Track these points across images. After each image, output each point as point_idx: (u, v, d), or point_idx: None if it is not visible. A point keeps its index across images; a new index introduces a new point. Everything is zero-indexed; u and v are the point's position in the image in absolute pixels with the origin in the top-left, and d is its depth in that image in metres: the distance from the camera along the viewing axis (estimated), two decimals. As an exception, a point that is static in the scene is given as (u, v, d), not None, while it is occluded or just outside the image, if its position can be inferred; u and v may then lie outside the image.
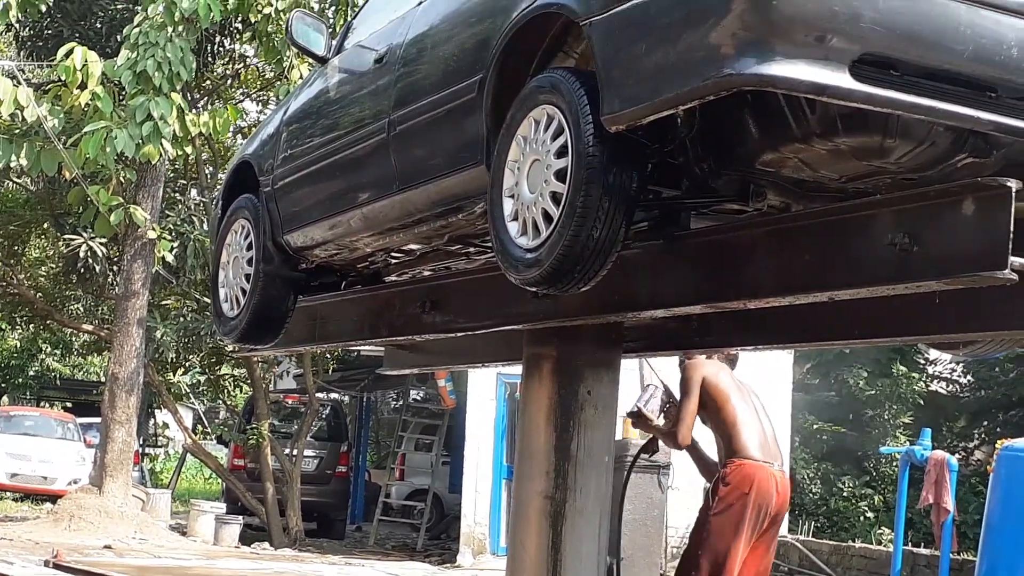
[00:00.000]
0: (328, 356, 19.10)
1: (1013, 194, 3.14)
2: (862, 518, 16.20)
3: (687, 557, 6.67)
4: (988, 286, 3.30)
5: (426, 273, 5.86)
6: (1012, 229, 3.12)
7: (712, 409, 6.66)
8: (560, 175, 3.75)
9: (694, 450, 6.95)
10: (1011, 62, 3.28)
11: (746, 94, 3.44)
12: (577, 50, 4.06)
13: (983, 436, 17.39)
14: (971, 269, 3.22)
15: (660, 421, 6.67)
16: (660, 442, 6.96)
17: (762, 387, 7.69)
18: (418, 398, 22.13)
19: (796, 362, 17.37)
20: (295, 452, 18.69)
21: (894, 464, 15.01)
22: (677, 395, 6.78)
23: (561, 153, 3.75)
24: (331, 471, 19.97)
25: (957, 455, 16.67)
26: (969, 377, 18.77)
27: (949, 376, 19.24)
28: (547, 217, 3.81)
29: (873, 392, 16.84)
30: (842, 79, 3.11)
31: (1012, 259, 3.14)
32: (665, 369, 7.55)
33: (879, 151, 3.66)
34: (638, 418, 6.66)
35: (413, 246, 5.39)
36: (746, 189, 4.04)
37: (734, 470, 6.53)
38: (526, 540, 5.22)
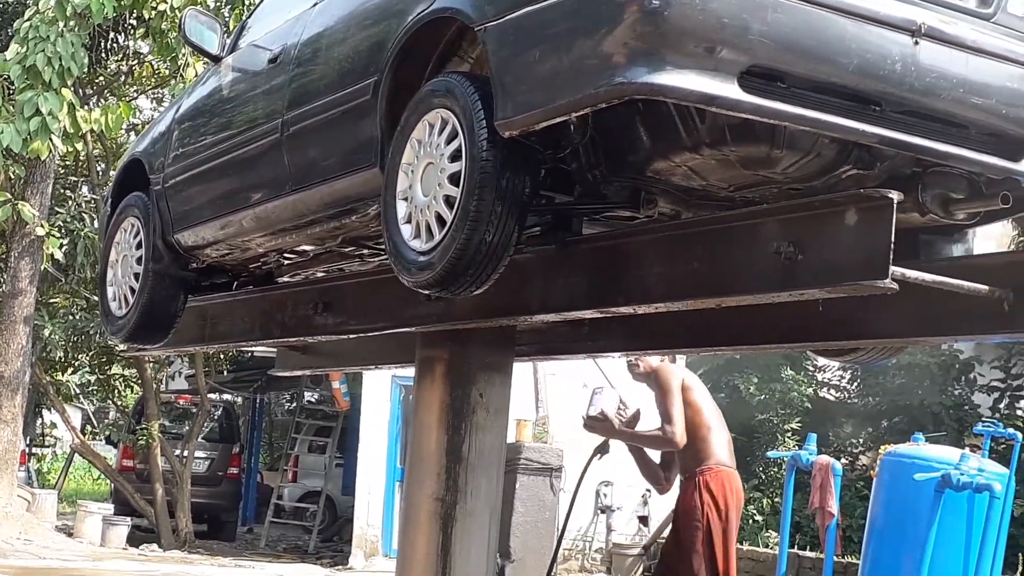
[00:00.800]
0: (221, 357, 18.90)
1: (895, 205, 3.22)
2: (751, 521, 16.39)
3: (692, 570, 6.57)
4: (870, 295, 3.38)
5: (319, 274, 5.83)
6: (893, 239, 3.20)
7: (688, 415, 6.69)
8: (454, 179, 3.76)
9: (640, 452, 6.96)
10: (895, 76, 3.36)
11: (637, 103, 3.48)
12: (472, 55, 4.07)
13: (868, 442, 17.70)
14: (853, 278, 3.29)
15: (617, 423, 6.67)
16: (611, 442, 6.91)
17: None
18: (312, 400, 21.98)
19: (688, 368, 17.54)
20: (186, 453, 18.46)
21: (782, 468, 15.25)
22: (627, 400, 6.77)
23: (455, 157, 3.76)
24: (222, 472, 19.76)
25: (844, 460, 16.96)
26: (856, 384, 19.11)
27: (838, 383, 19.57)
28: (440, 220, 3.82)
29: (763, 398, 17.09)
30: (731, 90, 3.17)
31: (893, 269, 3.22)
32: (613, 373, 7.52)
33: (766, 161, 3.73)
34: (600, 422, 6.64)
35: (306, 247, 5.36)
36: (637, 196, 4.09)
37: (713, 476, 6.62)
38: (416, 542, 5.23)
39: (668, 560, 6.86)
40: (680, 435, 6.52)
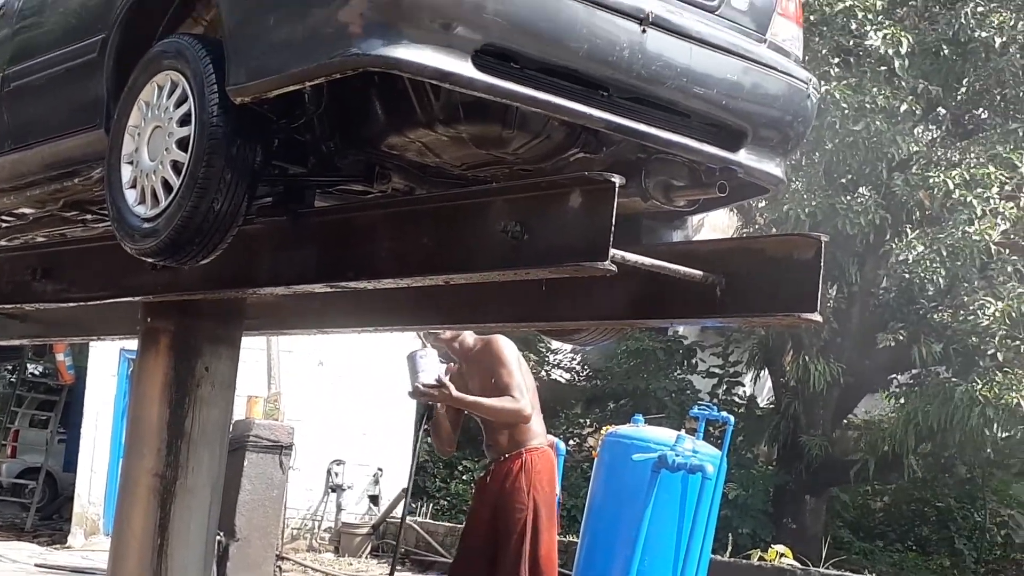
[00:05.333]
0: (-65, 325, 17.97)
1: (616, 189, 3.30)
2: (480, 501, 16.62)
3: (513, 554, 6.10)
4: (592, 276, 3.46)
5: (39, 239, 5.61)
6: (614, 223, 3.28)
7: None
8: (182, 144, 3.68)
9: (440, 421, 6.51)
10: (623, 63, 3.45)
11: (373, 75, 3.46)
12: (207, 17, 3.99)
13: (596, 424, 18.20)
14: (575, 259, 3.36)
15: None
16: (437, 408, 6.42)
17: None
18: (35, 372, 21.10)
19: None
20: None
21: (512, 449, 15.49)
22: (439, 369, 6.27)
23: (184, 121, 3.69)
24: (-66, 446, 18.81)
25: (572, 441, 17.39)
26: (587, 368, 19.61)
27: (570, 366, 20.04)
28: (167, 186, 3.74)
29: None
30: (464, 67, 3.20)
31: (613, 251, 3.31)
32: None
33: (498, 141, 3.78)
34: (438, 388, 6.08)
35: (25, 210, 5.15)
36: (371, 170, 4.08)
37: (540, 456, 6.28)
38: (133, 519, 5.09)
39: (476, 545, 6.36)
40: (528, 407, 6.17)
